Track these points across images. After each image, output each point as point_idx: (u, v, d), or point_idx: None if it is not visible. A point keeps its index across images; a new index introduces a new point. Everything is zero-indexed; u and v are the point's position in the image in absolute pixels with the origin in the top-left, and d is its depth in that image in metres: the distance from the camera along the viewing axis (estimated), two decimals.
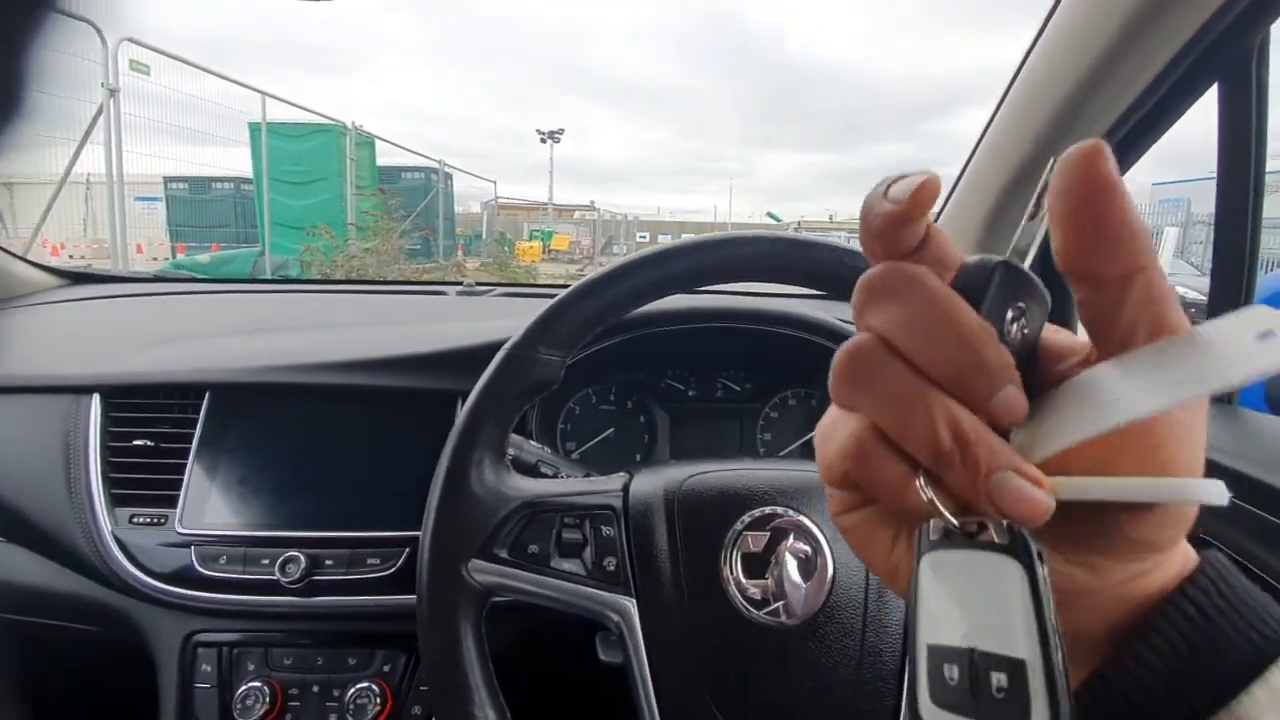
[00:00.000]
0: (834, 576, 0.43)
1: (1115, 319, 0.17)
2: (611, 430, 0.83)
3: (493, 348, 0.46)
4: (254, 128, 7.43)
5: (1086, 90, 0.69)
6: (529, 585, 0.43)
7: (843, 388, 0.19)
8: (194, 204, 9.18)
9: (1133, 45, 0.62)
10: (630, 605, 0.43)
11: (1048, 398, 0.18)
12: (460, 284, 1.11)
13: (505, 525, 0.43)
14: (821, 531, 0.44)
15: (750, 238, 0.45)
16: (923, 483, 0.17)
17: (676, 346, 0.83)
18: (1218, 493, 0.16)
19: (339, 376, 0.69)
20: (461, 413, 0.44)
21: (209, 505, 0.63)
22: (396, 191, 8.88)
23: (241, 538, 0.62)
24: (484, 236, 13.18)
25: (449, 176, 10.69)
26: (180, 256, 7.68)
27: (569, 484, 0.48)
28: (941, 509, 0.17)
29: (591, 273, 0.47)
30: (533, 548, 0.43)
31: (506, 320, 0.76)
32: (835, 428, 0.20)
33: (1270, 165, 0.65)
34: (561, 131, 19.60)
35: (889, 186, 0.18)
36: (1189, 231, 11.36)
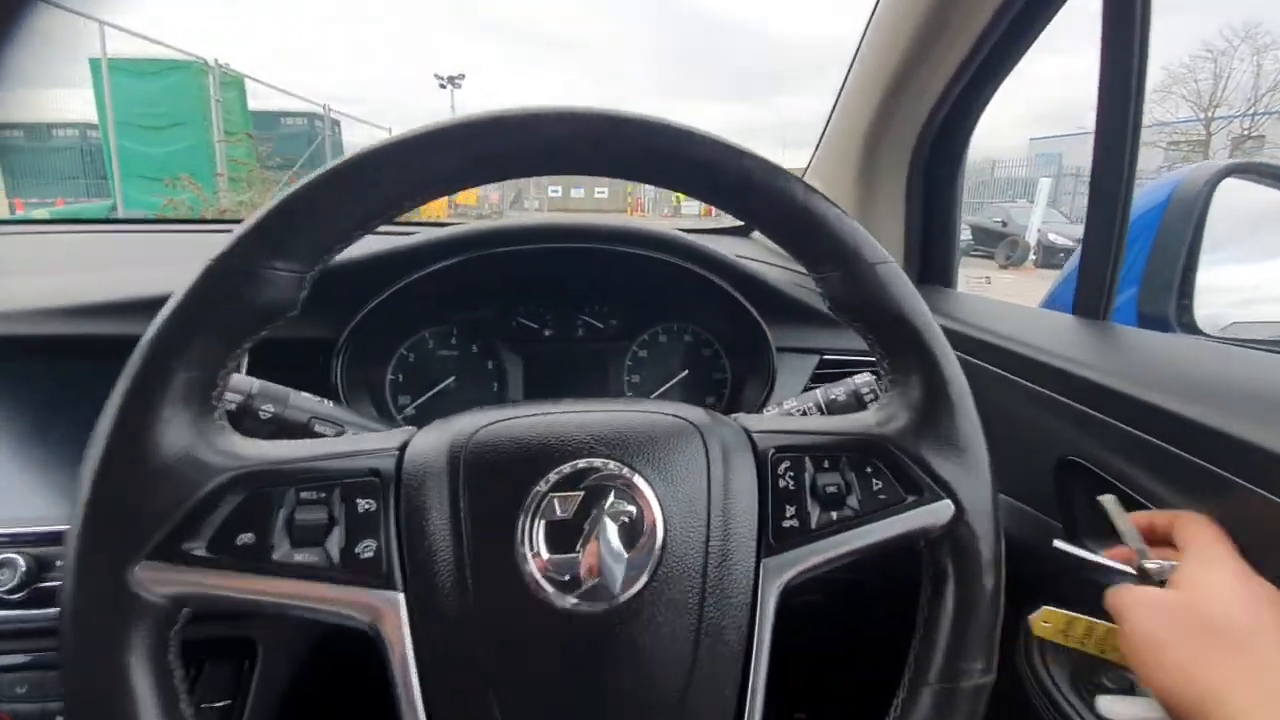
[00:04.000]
0: (664, 541, 0.34)
1: None
2: (452, 380, 0.70)
3: None
4: (95, 64, 6.49)
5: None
6: (233, 590, 0.31)
7: None
8: (32, 153, 8.02)
9: None
10: (391, 603, 0.32)
11: None
12: None
13: (206, 508, 0.31)
14: (650, 486, 0.35)
15: (561, 112, 0.34)
16: None
17: (528, 277, 0.72)
18: None
19: (59, 325, 0.53)
20: (135, 353, 0.31)
21: None
22: (275, 138, 8.08)
23: None
24: None
25: (336, 123, 9.82)
26: (19, 213, 6.66)
27: (314, 445, 0.35)
28: None
29: (341, 157, 0.34)
30: (244, 537, 0.31)
31: None
32: None
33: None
34: (462, 77, 18.34)
35: None
36: (1060, 183, 12.26)
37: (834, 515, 0.37)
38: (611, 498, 0.34)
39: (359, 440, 0.37)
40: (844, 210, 0.36)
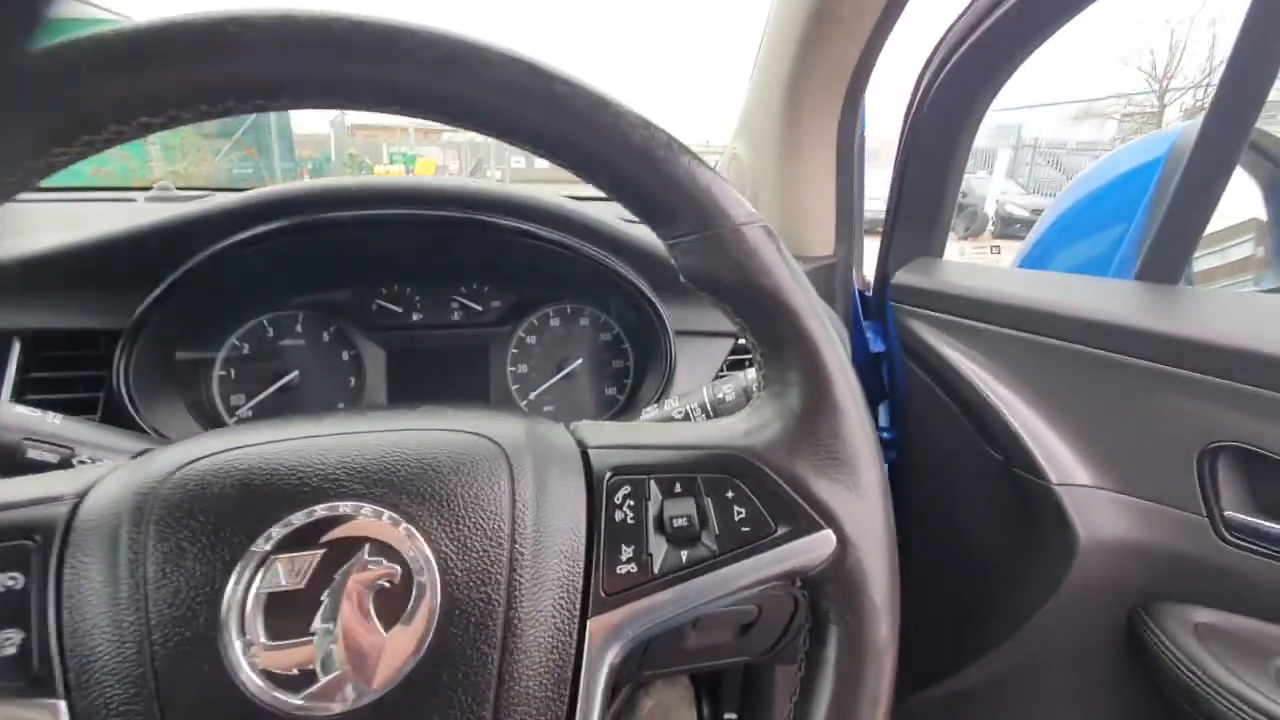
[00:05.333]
0: (442, 608, 0.24)
1: None
2: (295, 375, 0.59)
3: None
4: None
5: None
6: None
7: None
8: None
9: None
10: (49, 716, 0.22)
11: None
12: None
13: None
14: (423, 533, 0.25)
15: (489, 50, 0.23)
16: None
17: (388, 252, 0.60)
18: None
19: None
20: None
21: None
22: None
23: None
24: (333, 159, 11.79)
25: None
26: None
27: None
28: None
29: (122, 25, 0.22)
30: None
31: None
32: None
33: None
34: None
35: None
36: (1018, 154, 12.38)
37: (684, 555, 0.28)
38: (365, 554, 0.25)
39: (25, 484, 0.26)
40: (700, 159, 0.27)
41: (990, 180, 9.75)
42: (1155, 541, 0.53)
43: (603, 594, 0.27)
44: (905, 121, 0.74)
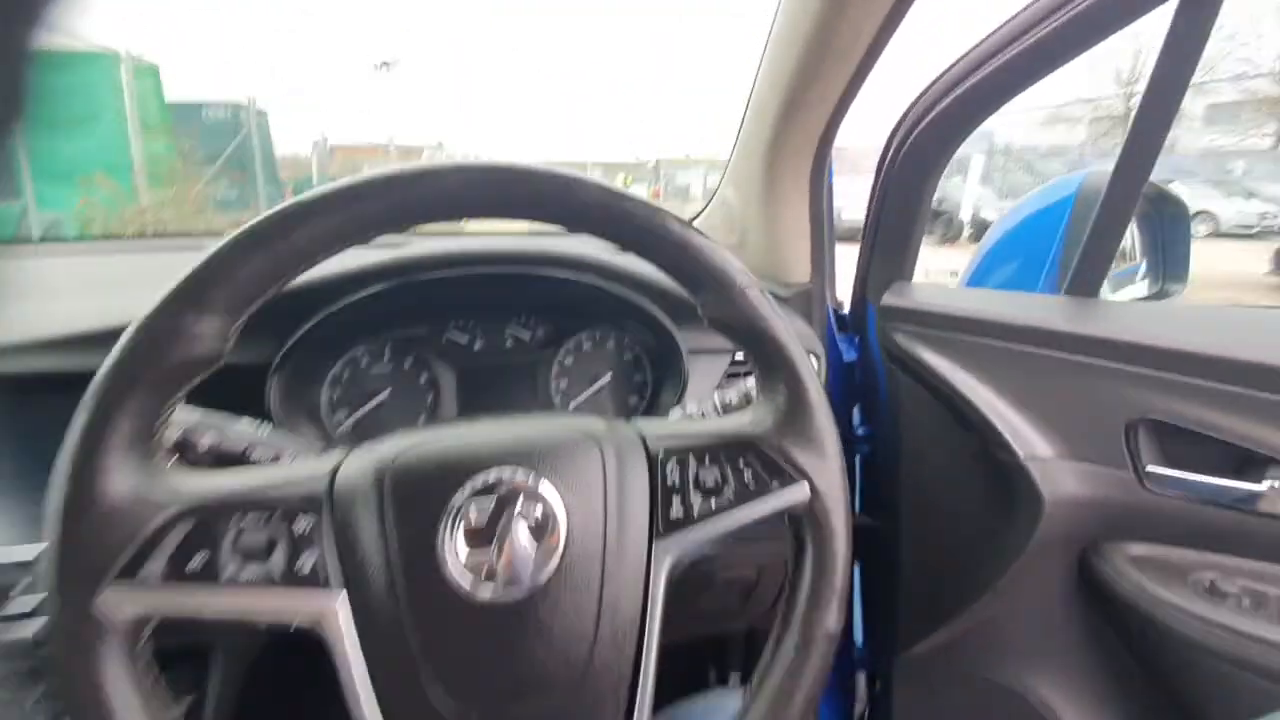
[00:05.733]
0: (568, 535, 0.40)
1: None
2: (386, 394, 0.74)
3: None
4: None
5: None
6: (189, 607, 0.35)
7: None
8: None
9: None
10: (330, 605, 0.37)
11: None
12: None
13: (157, 539, 0.35)
14: (555, 488, 0.40)
15: (456, 166, 0.38)
16: None
17: (456, 296, 0.76)
18: None
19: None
20: (80, 408, 0.34)
21: None
22: (198, 131, 7.71)
23: None
24: (315, 180, 11.86)
25: (263, 113, 9.39)
26: None
27: (252, 476, 0.40)
28: None
29: (256, 217, 0.38)
30: (196, 560, 0.35)
31: None
32: None
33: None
34: (395, 62, 17.84)
35: None
36: (991, 160, 12.75)
37: (713, 503, 0.43)
38: (521, 501, 0.40)
39: (292, 469, 0.41)
40: (715, 241, 0.43)
41: (965, 186, 10.06)
42: (1099, 496, 0.70)
43: (660, 529, 0.42)
44: (880, 168, 0.89)
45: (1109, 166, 0.74)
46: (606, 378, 0.81)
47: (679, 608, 0.44)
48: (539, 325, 0.80)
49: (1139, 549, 0.69)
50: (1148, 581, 0.67)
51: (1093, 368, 0.69)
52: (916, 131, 0.82)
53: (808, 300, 0.94)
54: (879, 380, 0.93)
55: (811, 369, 0.45)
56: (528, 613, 0.39)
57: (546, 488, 0.40)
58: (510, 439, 0.42)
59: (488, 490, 0.39)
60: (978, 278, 1.02)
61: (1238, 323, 0.71)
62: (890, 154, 0.87)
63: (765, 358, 0.44)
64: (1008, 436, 0.73)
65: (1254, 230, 10.37)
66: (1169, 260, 1.04)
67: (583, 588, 0.40)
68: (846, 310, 1.00)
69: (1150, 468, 0.67)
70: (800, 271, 0.94)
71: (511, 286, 0.76)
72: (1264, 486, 0.62)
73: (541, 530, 0.39)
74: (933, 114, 0.80)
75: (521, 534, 0.39)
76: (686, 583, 0.65)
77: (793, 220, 0.92)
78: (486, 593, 0.38)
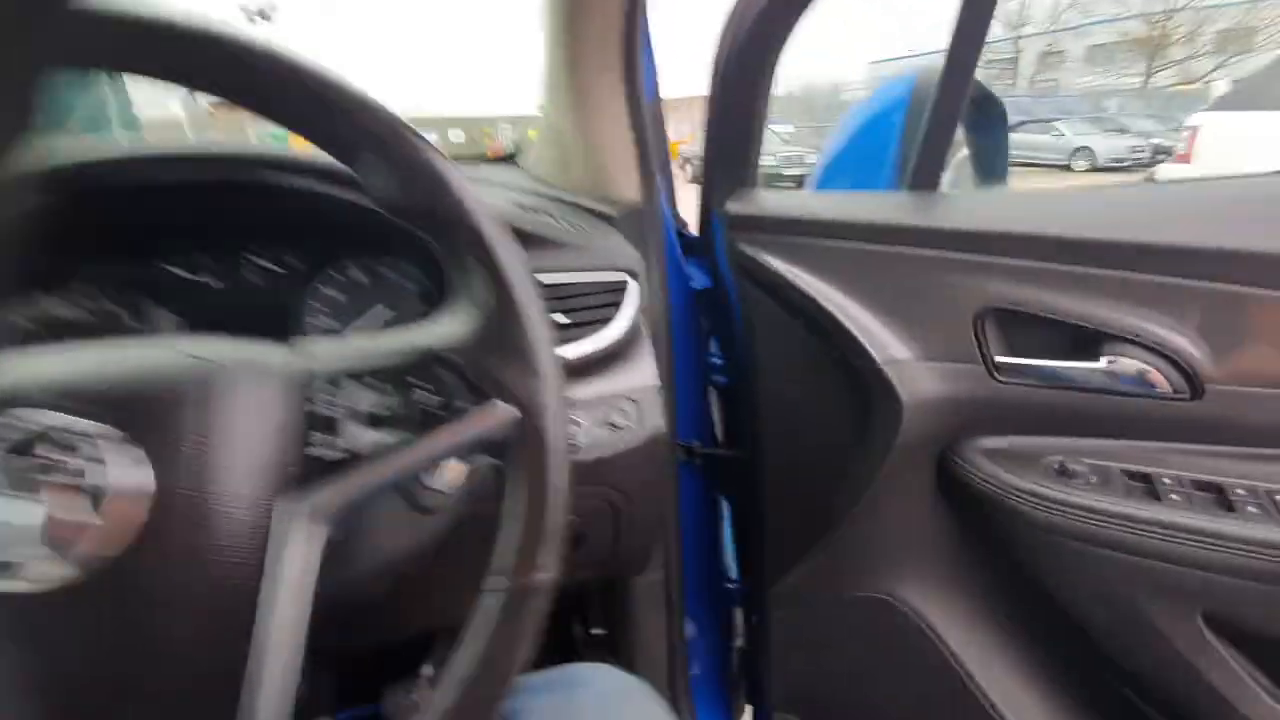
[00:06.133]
0: (153, 498, 0.28)
1: None
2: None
3: None
4: None
5: None
6: None
7: None
8: None
9: None
10: None
11: None
12: None
13: None
14: (130, 441, 0.28)
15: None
16: None
17: (169, 215, 0.60)
18: None
19: None
20: None
21: None
22: None
23: None
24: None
25: None
26: None
27: None
28: None
29: None
30: None
31: None
32: None
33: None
34: (272, 9, 16.14)
35: None
36: None
37: (384, 437, 0.33)
38: (70, 457, 0.28)
39: None
40: (369, 94, 0.31)
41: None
42: (955, 393, 0.68)
43: (293, 480, 0.31)
44: (713, 70, 0.80)
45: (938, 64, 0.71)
46: (376, 308, 0.68)
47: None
48: (291, 250, 0.66)
49: (993, 441, 0.68)
50: (1003, 472, 0.66)
51: (938, 261, 0.67)
52: (751, 20, 0.74)
53: (639, 222, 0.84)
54: (733, 304, 0.85)
55: (520, 264, 0.34)
56: (75, 605, 0.28)
57: (110, 436, 0.29)
58: (70, 373, 0.30)
59: (23, 447, 0.27)
60: (822, 184, 0.97)
61: (1070, 203, 0.69)
62: (724, 49, 0.78)
63: (456, 249, 0.34)
64: (864, 341, 0.70)
65: (1125, 164, 11.19)
66: (992, 158, 1.04)
67: (172, 564, 0.29)
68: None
69: (999, 358, 0.66)
70: (629, 185, 0.83)
71: (247, 203, 0.61)
72: (1102, 364, 0.61)
73: (98, 492, 0.28)
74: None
75: (72, 502, 0.27)
76: None
77: (611, 125, 0.80)
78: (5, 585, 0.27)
